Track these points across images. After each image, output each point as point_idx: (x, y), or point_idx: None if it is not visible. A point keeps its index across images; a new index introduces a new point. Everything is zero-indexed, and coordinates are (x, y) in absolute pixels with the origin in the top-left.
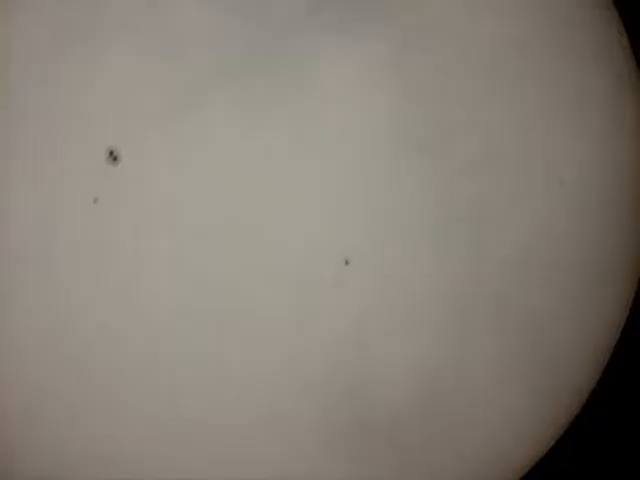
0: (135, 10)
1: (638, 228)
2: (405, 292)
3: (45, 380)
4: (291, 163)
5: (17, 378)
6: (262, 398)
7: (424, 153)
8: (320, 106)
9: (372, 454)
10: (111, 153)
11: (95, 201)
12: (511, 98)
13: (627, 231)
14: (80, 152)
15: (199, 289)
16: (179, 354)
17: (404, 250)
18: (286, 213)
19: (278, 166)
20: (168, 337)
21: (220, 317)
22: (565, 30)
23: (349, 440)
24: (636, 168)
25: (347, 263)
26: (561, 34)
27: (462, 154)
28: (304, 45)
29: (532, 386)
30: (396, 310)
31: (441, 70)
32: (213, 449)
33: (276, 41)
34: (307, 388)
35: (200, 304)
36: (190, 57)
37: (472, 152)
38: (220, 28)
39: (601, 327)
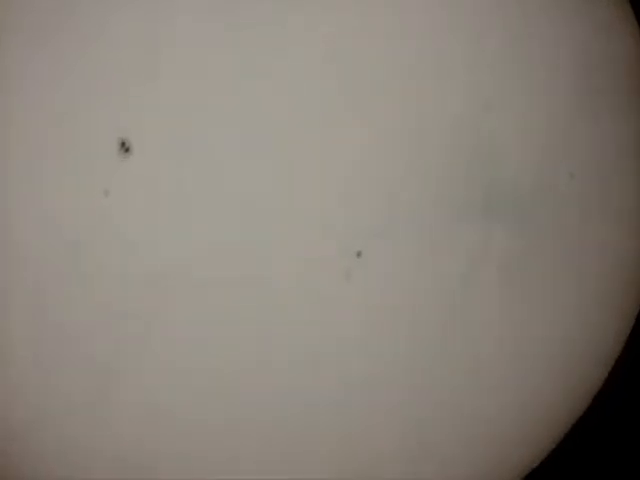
0: None
1: None
2: None
3: (50, 380)
4: (307, 158)
5: (20, 378)
6: None
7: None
8: None
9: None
10: (123, 144)
11: (106, 194)
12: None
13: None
14: (90, 143)
15: (211, 284)
16: (189, 353)
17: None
18: (301, 208)
19: (294, 153)
20: (178, 335)
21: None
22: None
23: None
24: None
25: None
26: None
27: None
28: None
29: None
30: None
31: None
32: None
33: None
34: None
35: (213, 301)
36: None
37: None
38: None
39: (610, 325)
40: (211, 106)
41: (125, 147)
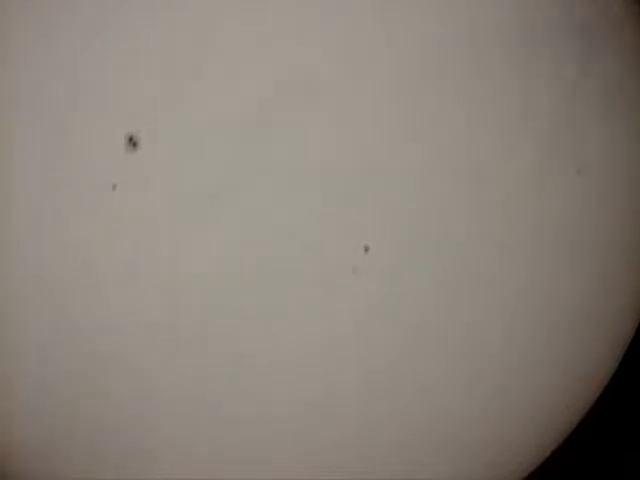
0: None
1: None
2: None
3: (52, 377)
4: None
5: (22, 378)
6: None
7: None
8: None
9: None
10: (130, 139)
11: (114, 188)
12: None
13: None
14: (98, 138)
15: (219, 281)
16: (201, 354)
17: None
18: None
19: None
20: (189, 331)
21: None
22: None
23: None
24: None
25: None
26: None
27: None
28: None
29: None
30: None
31: None
32: None
33: None
34: None
35: (221, 300)
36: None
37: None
38: None
39: (615, 324)
40: (218, 102)
41: (133, 142)
